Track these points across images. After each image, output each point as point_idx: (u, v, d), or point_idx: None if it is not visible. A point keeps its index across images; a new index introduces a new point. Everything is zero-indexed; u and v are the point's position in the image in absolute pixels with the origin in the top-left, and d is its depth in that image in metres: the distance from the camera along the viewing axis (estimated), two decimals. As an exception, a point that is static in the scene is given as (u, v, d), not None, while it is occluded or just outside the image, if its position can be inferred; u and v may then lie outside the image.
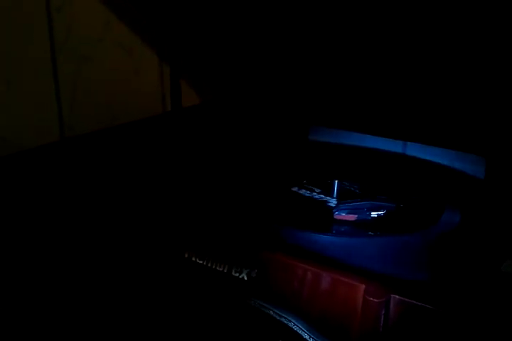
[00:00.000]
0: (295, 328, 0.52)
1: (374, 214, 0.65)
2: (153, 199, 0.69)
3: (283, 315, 0.53)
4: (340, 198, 0.71)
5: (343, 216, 0.65)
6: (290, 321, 0.52)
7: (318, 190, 0.74)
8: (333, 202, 0.70)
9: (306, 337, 0.51)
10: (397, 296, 0.48)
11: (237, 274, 0.54)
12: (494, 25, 0.64)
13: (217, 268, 0.55)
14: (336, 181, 0.73)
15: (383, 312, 0.48)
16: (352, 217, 0.65)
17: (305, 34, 0.80)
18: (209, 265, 0.56)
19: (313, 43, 0.81)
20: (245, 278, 0.53)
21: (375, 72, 0.80)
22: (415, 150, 0.92)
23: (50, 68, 0.80)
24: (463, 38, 0.68)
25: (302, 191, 0.74)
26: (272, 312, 0.53)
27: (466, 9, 0.64)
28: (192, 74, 0.98)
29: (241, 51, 0.90)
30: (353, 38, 0.76)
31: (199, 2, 0.85)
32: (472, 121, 0.79)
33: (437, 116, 0.82)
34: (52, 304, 0.65)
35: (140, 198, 0.69)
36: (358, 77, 0.83)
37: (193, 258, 0.56)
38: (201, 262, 0.56)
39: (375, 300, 0.48)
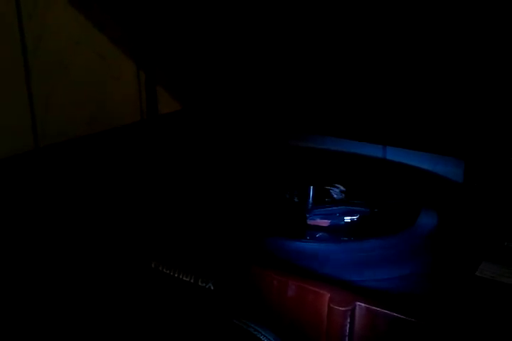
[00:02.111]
0: (263, 338, 0.51)
1: (347, 219, 0.64)
2: (125, 207, 0.68)
3: (250, 325, 0.52)
4: (317, 203, 0.70)
5: (317, 221, 0.64)
6: (257, 331, 0.51)
7: (297, 196, 0.73)
8: (308, 208, 0.69)
9: (274, 346, 0.51)
10: (363, 304, 0.47)
11: (203, 284, 0.53)
12: (470, 37, 0.63)
13: (184, 278, 0.54)
14: (313, 186, 0.72)
15: (348, 320, 0.47)
16: (325, 223, 0.64)
17: (284, 41, 0.79)
18: (175, 275, 0.55)
19: (293, 49, 0.80)
20: (212, 288, 0.52)
21: (353, 78, 0.80)
22: (395, 154, 0.91)
23: (22, 76, 0.79)
24: (440, 45, 0.67)
25: (280, 196, 0.73)
26: (239, 322, 0.52)
27: (444, 15, 0.64)
28: (169, 80, 0.97)
29: (219, 57, 0.89)
30: (332, 45, 0.75)
31: (175, 9, 0.85)
32: (451, 124, 0.78)
33: (416, 120, 0.81)
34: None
35: (115, 207, 0.69)
36: (337, 83, 0.82)
37: (160, 268, 0.55)
38: (167, 272, 0.55)
39: (340, 309, 0.47)
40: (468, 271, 0.60)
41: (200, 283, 0.53)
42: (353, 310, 0.47)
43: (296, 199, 0.70)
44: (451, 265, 0.61)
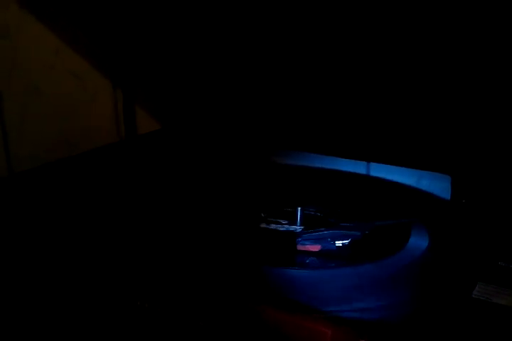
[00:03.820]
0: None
1: (339, 243, 0.62)
2: (105, 235, 0.65)
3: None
4: (305, 226, 0.68)
5: (307, 246, 0.62)
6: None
7: (284, 221, 0.71)
8: (297, 232, 0.67)
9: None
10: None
11: (194, 320, 0.50)
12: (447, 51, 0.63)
13: (174, 313, 0.51)
14: (299, 208, 0.70)
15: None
16: (316, 248, 0.62)
17: (261, 59, 0.77)
18: (164, 312, 0.52)
19: (270, 67, 0.78)
20: (202, 324, 0.50)
21: (334, 93, 0.78)
22: (379, 171, 0.90)
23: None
24: (420, 56, 0.66)
25: (267, 221, 0.71)
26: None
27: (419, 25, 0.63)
28: (147, 100, 0.95)
29: (197, 75, 0.87)
30: (310, 60, 0.74)
31: (151, 27, 0.82)
32: (436, 139, 0.78)
33: (399, 135, 0.80)
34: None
35: (94, 234, 0.66)
36: (317, 99, 0.80)
37: (146, 305, 0.52)
38: (156, 309, 0.52)
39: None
40: (464, 294, 0.58)
41: (191, 319, 0.51)
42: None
43: (285, 225, 0.68)
44: (447, 288, 0.59)
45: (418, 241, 0.64)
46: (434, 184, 0.88)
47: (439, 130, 0.75)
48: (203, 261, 0.58)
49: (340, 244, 0.62)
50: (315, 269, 0.60)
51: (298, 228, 0.68)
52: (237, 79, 0.82)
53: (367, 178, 0.87)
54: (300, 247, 0.62)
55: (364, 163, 0.91)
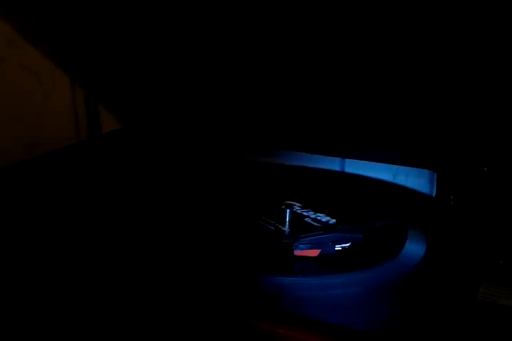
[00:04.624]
0: None
1: (338, 247, 0.58)
2: (67, 244, 0.59)
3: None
4: (294, 229, 0.63)
5: (305, 251, 0.58)
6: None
7: (272, 222, 0.66)
8: (288, 235, 0.62)
9: None
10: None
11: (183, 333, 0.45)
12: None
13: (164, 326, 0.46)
14: (288, 210, 0.65)
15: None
16: (315, 252, 0.57)
17: (230, 54, 0.72)
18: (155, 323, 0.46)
19: (242, 61, 0.74)
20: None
21: (311, 88, 0.75)
22: (355, 168, 0.87)
23: None
24: (402, 57, 0.64)
25: (255, 223, 0.65)
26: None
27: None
28: (109, 97, 0.87)
29: (164, 70, 0.81)
30: (285, 58, 0.70)
31: (114, 19, 0.76)
32: (419, 134, 0.75)
33: (381, 130, 0.77)
34: None
35: (58, 244, 0.59)
36: (292, 94, 0.76)
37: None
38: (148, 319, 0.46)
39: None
40: (469, 296, 0.56)
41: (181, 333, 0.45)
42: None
43: (274, 226, 0.63)
44: (451, 291, 0.56)
45: (415, 245, 0.61)
46: (411, 180, 0.86)
47: (423, 126, 0.73)
48: (188, 269, 0.53)
49: (340, 248, 0.58)
50: (313, 276, 0.55)
51: (286, 230, 0.63)
52: (209, 73, 0.77)
53: (342, 175, 0.84)
54: (298, 252, 0.57)
55: (338, 159, 0.88)
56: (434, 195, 0.81)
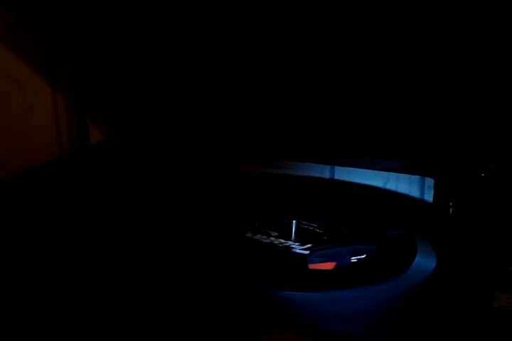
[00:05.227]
0: None
1: (354, 259, 0.56)
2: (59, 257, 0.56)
3: None
4: (301, 241, 0.62)
5: (320, 264, 0.56)
6: None
7: (275, 234, 0.64)
8: (296, 248, 0.60)
9: None
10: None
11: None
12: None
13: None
14: (294, 221, 0.64)
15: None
16: (330, 265, 0.56)
17: (216, 62, 0.70)
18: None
19: (231, 75, 0.72)
20: None
21: (305, 95, 0.73)
22: (345, 175, 0.86)
23: None
24: (394, 61, 0.63)
25: (257, 236, 0.63)
26: None
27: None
28: (96, 107, 0.84)
29: (151, 80, 0.78)
30: (267, 63, 0.68)
31: (100, 28, 0.72)
32: (415, 140, 0.74)
33: (376, 137, 0.76)
34: None
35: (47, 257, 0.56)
36: (284, 103, 0.75)
37: None
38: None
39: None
40: (485, 304, 0.55)
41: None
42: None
43: (280, 239, 0.62)
44: (466, 300, 0.56)
45: (425, 258, 0.60)
46: (400, 187, 0.85)
47: (420, 133, 0.72)
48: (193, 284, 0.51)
49: (356, 260, 0.56)
50: (329, 291, 0.54)
51: (293, 243, 0.62)
52: (193, 83, 0.74)
53: (332, 182, 0.84)
54: (312, 266, 0.56)
55: (327, 166, 0.88)
56: (425, 200, 0.82)
